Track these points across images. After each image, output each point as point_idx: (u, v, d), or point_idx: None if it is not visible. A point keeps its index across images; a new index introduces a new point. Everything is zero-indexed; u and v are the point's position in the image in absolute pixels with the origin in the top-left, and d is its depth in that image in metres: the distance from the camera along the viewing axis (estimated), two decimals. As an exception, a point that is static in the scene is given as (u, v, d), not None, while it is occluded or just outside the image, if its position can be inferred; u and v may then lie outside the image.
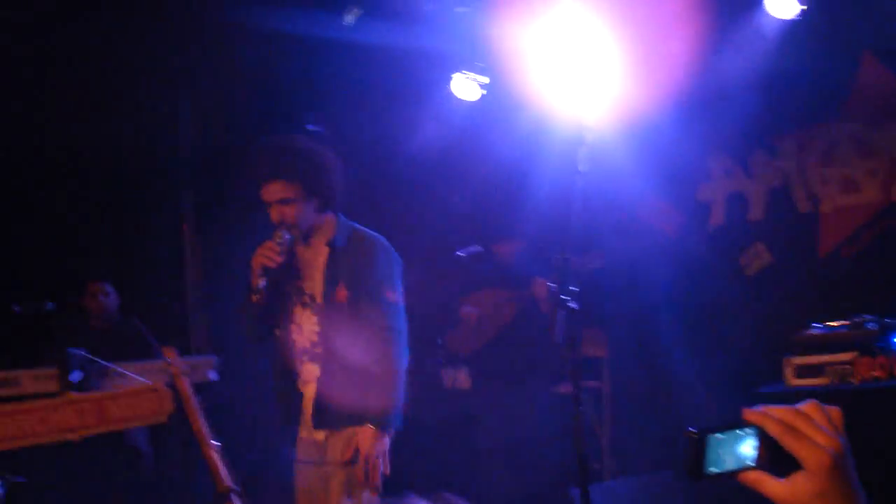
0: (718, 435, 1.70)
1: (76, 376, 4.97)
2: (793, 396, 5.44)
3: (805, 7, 6.89)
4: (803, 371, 5.52)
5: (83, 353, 5.03)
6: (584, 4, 6.76)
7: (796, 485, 1.62)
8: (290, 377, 4.64)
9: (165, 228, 8.36)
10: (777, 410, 1.67)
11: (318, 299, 4.60)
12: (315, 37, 7.13)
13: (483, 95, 7.87)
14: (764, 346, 6.76)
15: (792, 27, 7.13)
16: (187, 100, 8.24)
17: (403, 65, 7.49)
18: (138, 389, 4.68)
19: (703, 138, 7.97)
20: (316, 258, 4.66)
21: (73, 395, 4.70)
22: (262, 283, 4.42)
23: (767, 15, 7.07)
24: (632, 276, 7.90)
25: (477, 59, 7.69)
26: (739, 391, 6.14)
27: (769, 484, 1.66)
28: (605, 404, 7.63)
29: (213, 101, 8.13)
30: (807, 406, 1.66)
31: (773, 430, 1.65)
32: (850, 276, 7.43)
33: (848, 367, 5.31)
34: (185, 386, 4.18)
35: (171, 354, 4.34)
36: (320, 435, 4.63)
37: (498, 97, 7.71)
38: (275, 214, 4.49)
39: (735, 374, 7.08)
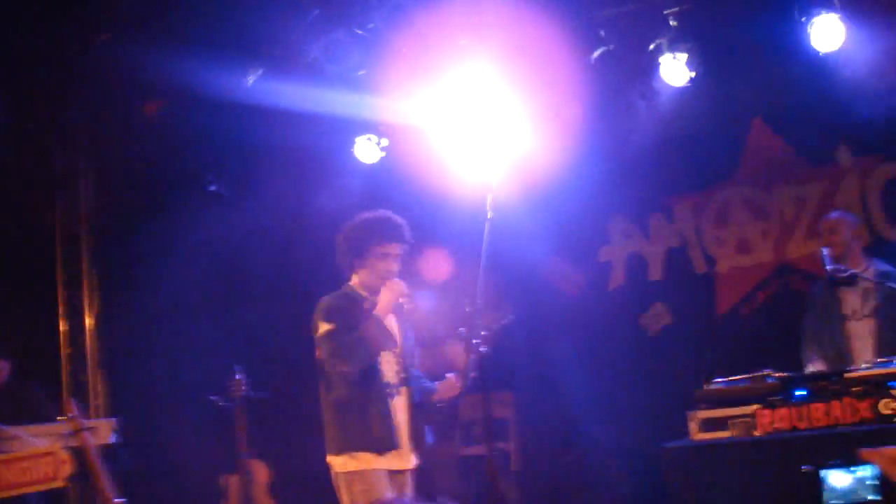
0: (835, 471, 1.72)
1: (-33, 439, 4.75)
2: (697, 451, 5.51)
3: (694, 74, 7.11)
4: (707, 425, 5.56)
5: (-24, 415, 4.82)
6: (486, 71, 6.93)
7: None
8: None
9: (64, 288, 8.14)
10: (892, 450, 1.68)
11: (399, 347, 5.28)
12: (218, 97, 7.09)
13: (383, 157, 7.93)
14: (667, 402, 6.84)
15: (686, 94, 7.35)
16: (87, 156, 8.07)
17: (305, 126, 7.49)
18: (34, 453, 4.51)
19: (604, 201, 8.13)
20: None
21: (-36, 458, 4.50)
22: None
23: (662, 82, 7.28)
24: (536, 336, 7.96)
25: (378, 122, 7.74)
26: (646, 447, 6.19)
27: None
28: (513, 464, 7.60)
29: (113, 159, 7.98)
30: None
31: (887, 468, 1.65)
32: (747, 333, 7.63)
33: (750, 419, 5.39)
34: (88, 440, 4.03)
35: (72, 409, 4.19)
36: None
37: (400, 158, 7.77)
38: (390, 265, 5.20)
39: (640, 430, 7.16)
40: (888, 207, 7.48)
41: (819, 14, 6.68)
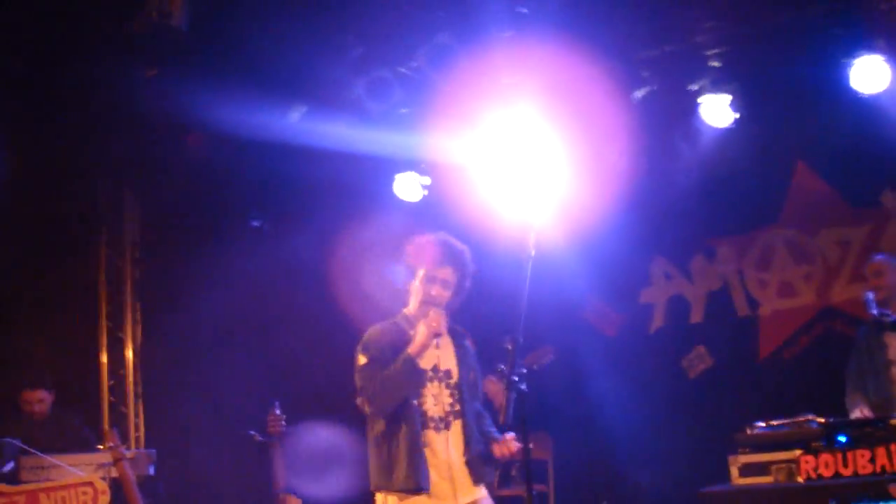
0: None
1: (8, 467, 4.78)
2: (738, 496, 5.44)
3: (737, 115, 7.09)
4: (748, 470, 5.50)
5: (18, 443, 4.85)
6: (529, 110, 6.95)
7: None
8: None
9: (107, 320, 8.20)
10: None
11: (454, 376, 4.92)
12: (262, 133, 7.15)
13: (425, 195, 7.95)
14: (707, 446, 6.77)
15: (729, 136, 7.33)
16: (132, 189, 8.16)
17: (348, 163, 7.53)
18: (73, 482, 4.53)
19: (646, 243, 8.10)
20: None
21: (4, 486, 4.52)
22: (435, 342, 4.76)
23: (705, 123, 7.26)
24: (575, 376, 7.91)
25: (420, 160, 7.77)
26: (686, 490, 6.11)
27: None
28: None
29: (158, 193, 8.06)
30: None
31: None
32: (790, 377, 7.54)
33: (793, 465, 5.31)
34: (126, 471, 4.04)
35: (112, 438, 4.21)
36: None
37: (442, 196, 7.79)
38: (435, 291, 4.85)
39: (680, 473, 7.08)
40: (933, 252, 7.38)
41: (863, 56, 6.64)
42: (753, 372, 7.80)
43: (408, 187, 8.00)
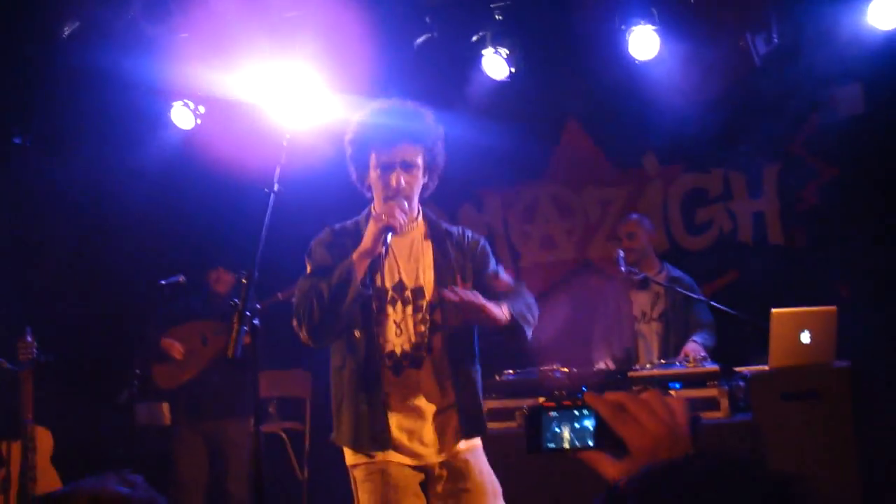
0: (553, 413, 1.72)
1: None
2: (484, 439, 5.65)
3: (514, 70, 7.22)
4: (496, 415, 5.71)
5: None
6: (308, 47, 6.87)
7: (626, 466, 1.62)
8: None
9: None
10: (613, 394, 1.68)
11: (428, 295, 3.94)
12: (30, 50, 6.78)
13: (199, 125, 7.76)
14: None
15: (504, 89, 7.45)
16: None
17: (121, 87, 7.26)
18: None
19: (415, 188, 8.17)
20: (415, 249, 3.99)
21: None
22: (383, 248, 3.72)
23: (483, 74, 7.35)
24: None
25: (196, 88, 7.56)
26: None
27: (605, 464, 1.66)
28: (307, 446, 7.58)
29: None
30: (647, 393, 1.67)
31: (605, 412, 1.66)
32: (543, 328, 7.81)
33: (534, 411, 5.58)
34: None
35: None
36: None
37: (215, 126, 7.62)
38: (396, 179, 3.83)
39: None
40: (686, 216, 7.82)
41: (637, 24, 6.85)
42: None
43: (182, 115, 7.77)
